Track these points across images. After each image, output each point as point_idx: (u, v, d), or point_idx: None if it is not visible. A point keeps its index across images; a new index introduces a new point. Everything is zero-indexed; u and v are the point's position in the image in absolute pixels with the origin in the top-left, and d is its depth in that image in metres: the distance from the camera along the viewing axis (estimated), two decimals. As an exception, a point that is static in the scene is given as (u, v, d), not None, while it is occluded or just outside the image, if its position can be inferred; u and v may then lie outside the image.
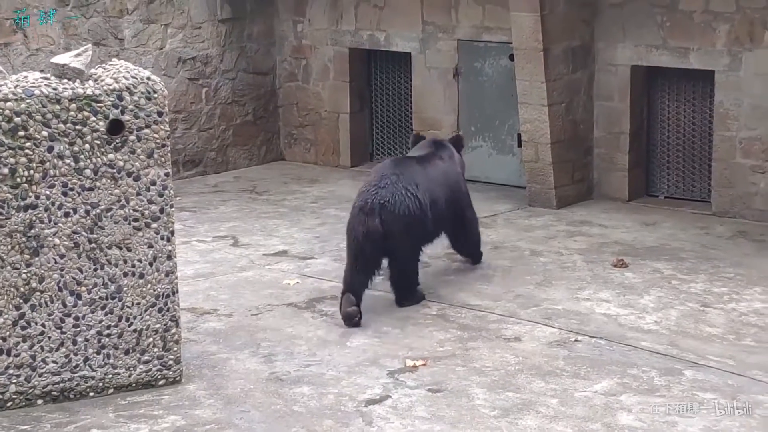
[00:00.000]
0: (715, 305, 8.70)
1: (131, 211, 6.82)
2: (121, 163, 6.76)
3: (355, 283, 8.25)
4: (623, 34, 11.82)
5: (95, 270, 6.76)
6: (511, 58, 12.05)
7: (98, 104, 6.68)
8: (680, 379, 7.17)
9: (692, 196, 12.36)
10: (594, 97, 12.19)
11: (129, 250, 6.84)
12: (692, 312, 8.54)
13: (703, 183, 12.24)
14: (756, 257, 10.14)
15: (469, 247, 9.73)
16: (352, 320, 8.04)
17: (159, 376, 7.04)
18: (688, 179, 12.38)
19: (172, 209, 6.96)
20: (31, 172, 6.55)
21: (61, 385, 6.78)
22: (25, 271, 6.60)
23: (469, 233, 9.61)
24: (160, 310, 6.98)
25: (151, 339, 6.98)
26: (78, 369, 6.80)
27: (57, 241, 6.64)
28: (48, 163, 6.59)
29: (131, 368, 6.95)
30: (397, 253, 8.44)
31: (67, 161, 6.63)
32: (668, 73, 11.94)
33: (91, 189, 6.70)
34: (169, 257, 6.97)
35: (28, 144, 6.53)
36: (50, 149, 6.58)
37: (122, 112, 6.72)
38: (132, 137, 6.77)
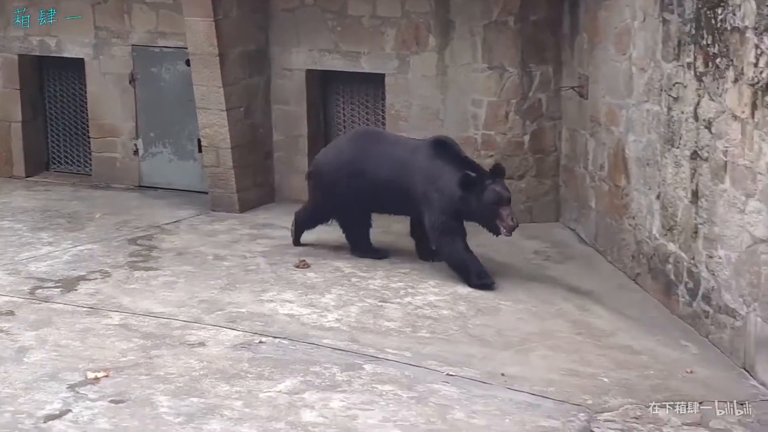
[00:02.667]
0: (392, 300, 9.02)
1: None
2: None
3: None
4: (297, 38, 12.02)
5: None
6: (188, 63, 11.99)
7: None
8: (360, 374, 7.38)
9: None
10: (272, 101, 12.34)
11: None
12: (371, 308, 8.81)
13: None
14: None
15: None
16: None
17: None
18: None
19: None
20: None
21: None
22: None
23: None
24: None
25: None
26: None
27: None
28: None
29: None
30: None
31: None
32: (342, 76, 12.23)
33: None
34: None
35: None
36: None
37: None
38: None
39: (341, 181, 9.97)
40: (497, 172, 9.36)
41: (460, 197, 9.26)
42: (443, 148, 9.63)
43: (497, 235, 9.45)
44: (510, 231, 9.26)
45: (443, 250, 9.62)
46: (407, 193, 9.69)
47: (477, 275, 9.33)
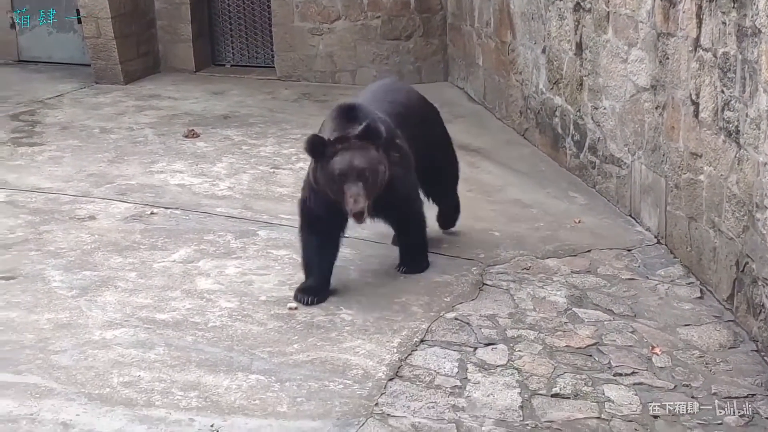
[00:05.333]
0: (284, 166, 8.99)
1: None
2: None
3: None
4: None
5: None
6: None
7: None
8: (255, 240, 7.38)
9: (257, 62, 12.61)
10: (152, -32, 12.03)
11: None
12: (263, 175, 8.78)
13: (267, 49, 12.50)
14: (320, 116, 10.45)
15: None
16: None
17: None
18: (252, 46, 12.59)
19: None
20: None
21: None
22: None
23: None
24: None
25: None
26: None
27: None
28: None
29: None
30: None
31: None
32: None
33: None
34: None
35: None
36: None
37: None
38: None
39: None
40: (367, 133, 6.19)
41: (311, 169, 6.44)
42: (352, 110, 6.47)
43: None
44: (353, 216, 6.11)
45: None
46: None
47: (303, 287, 6.44)
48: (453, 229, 7.50)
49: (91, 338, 5.88)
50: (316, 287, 6.40)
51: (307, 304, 6.28)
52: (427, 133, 7.07)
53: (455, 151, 7.54)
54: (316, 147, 6.16)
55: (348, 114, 6.34)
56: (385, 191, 6.29)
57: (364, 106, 6.48)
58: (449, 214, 7.50)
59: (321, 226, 6.41)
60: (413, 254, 6.86)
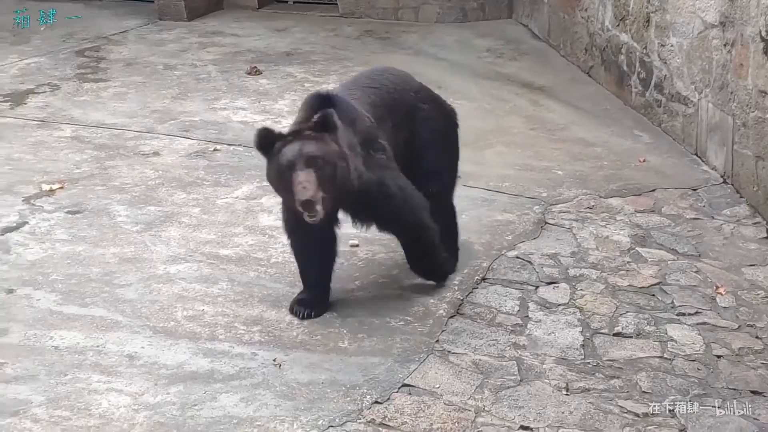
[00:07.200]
0: (346, 103, 8.95)
1: None
2: None
3: None
4: None
5: None
6: None
7: None
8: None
9: (320, -1, 12.55)
10: None
11: None
12: (325, 111, 8.75)
13: (329, -15, 12.42)
14: (382, 54, 10.50)
15: None
16: None
17: None
18: (314, -18, 12.52)
19: None
20: None
21: None
22: None
23: None
24: None
25: None
26: None
27: None
28: None
29: None
30: None
31: None
32: None
33: None
34: None
35: None
36: None
37: None
38: None
39: None
40: (324, 125, 5.22)
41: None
42: (324, 100, 5.49)
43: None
44: (302, 206, 5.09)
45: None
46: None
47: (298, 299, 5.64)
48: (509, 172, 7.45)
49: (156, 272, 5.95)
50: (312, 300, 5.58)
51: (303, 317, 5.49)
52: (416, 131, 5.84)
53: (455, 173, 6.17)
54: (266, 141, 5.25)
55: (320, 104, 5.38)
56: (372, 200, 5.40)
57: (338, 97, 5.49)
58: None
59: (306, 231, 5.42)
60: (427, 270, 5.83)
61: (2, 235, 6.45)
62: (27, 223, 6.62)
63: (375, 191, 5.38)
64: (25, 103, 9.01)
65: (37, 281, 5.83)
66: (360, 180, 5.29)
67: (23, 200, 6.97)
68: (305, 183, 5.06)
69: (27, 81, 9.64)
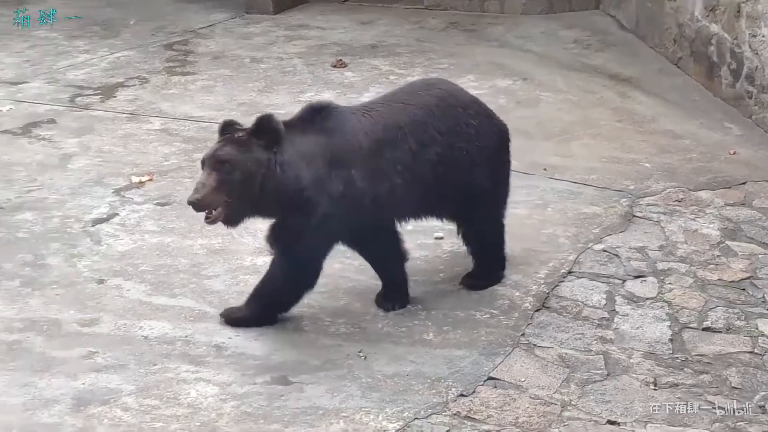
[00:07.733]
0: (431, 95, 8.94)
1: None
2: None
3: None
4: None
5: None
6: None
7: None
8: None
9: (405, -9, 12.53)
10: None
11: None
12: (410, 103, 8.75)
13: (415, -22, 12.39)
14: (467, 46, 10.46)
15: None
16: None
17: None
18: (401, -25, 12.49)
19: None
20: None
21: None
22: None
23: None
24: None
25: None
26: None
27: None
28: None
29: None
30: None
31: None
32: None
33: None
34: None
35: None
36: None
37: None
38: None
39: None
40: (259, 129, 5.18)
41: None
42: (316, 111, 5.41)
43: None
44: (190, 203, 5.06)
45: None
46: None
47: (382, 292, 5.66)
48: (596, 165, 7.38)
49: (242, 264, 6.01)
50: (395, 293, 5.58)
51: (388, 310, 5.50)
52: (463, 147, 5.50)
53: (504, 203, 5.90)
54: (220, 133, 5.30)
55: (311, 115, 5.31)
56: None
57: (333, 110, 5.35)
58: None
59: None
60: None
61: (93, 226, 6.56)
62: (117, 214, 6.73)
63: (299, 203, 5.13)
64: (115, 96, 9.14)
65: (127, 272, 5.93)
66: (295, 187, 5.09)
67: (113, 192, 7.09)
68: (200, 184, 5.04)
69: (117, 74, 9.79)
